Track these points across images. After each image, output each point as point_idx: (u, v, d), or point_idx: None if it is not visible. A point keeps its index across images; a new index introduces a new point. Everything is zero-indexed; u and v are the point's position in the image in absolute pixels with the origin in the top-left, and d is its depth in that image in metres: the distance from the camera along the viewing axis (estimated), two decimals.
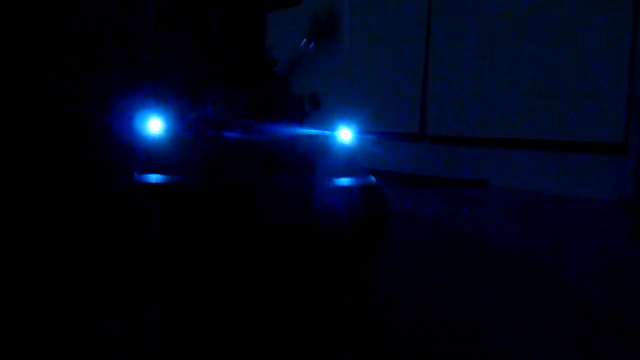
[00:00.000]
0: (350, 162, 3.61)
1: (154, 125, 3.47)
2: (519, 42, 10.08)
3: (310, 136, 3.72)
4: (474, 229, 5.91)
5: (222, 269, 3.33)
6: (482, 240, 5.34)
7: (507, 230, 5.85)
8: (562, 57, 9.43)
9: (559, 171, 9.37)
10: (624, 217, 7.71)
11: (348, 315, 3.02)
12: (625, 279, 4.27)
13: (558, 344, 2.77)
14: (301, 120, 3.94)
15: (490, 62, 10.54)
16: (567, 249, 5.17)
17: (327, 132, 3.65)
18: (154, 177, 3.19)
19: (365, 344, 2.68)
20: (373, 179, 3.62)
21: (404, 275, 3.92)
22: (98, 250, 3.69)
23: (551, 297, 3.61)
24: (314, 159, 3.53)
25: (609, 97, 8.83)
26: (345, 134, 3.62)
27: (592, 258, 4.83)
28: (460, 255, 4.74)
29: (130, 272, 3.32)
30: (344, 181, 3.46)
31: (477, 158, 10.67)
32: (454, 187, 10.13)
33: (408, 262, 4.20)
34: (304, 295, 3.24)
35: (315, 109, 4.22)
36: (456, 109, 11.12)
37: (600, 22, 8.96)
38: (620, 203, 8.50)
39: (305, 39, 4.52)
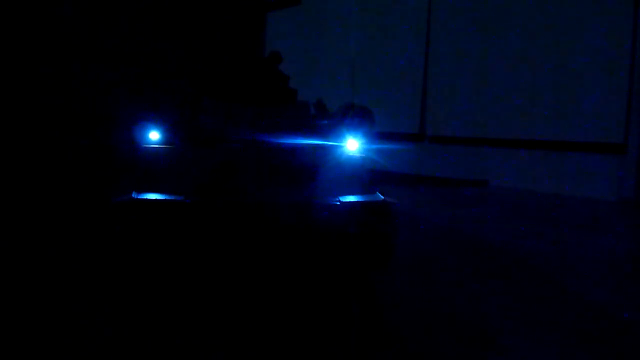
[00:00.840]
0: (357, 177, 3.42)
1: (154, 136, 3.35)
2: (519, 43, 10.08)
3: (317, 148, 3.45)
4: (474, 229, 5.91)
5: (226, 286, 3.27)
6: (482, 240, 5.34)
7: (507, 231, 5.84)
8: (562, 57, 9.44)
9: (559, 171, 9.38)
10: (624, 216, 7.72)
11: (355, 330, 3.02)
12: (625, 277, 4.27)
13: (558, 342, 2.78)
14: (308, 129, 3.70)
15: (490, 63, 10.55)
16: (568, 248, 5.17)
17: (334, 143, 3.45)
18: (153, 196, 3.08)
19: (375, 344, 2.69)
20: (381, 196, 3.42)
21: (405, 276, 3.92)
22: (95, 268, 3.62)
23: (552, 297, 3.61)
24: (321, 174, 3.34)
25: (609, 97, 8.84)
26: (352, 144, 3.46)
27: (592, 257, 4.83)
28: (461, 256, 4.74)
29: (125, 286, 3.25)
30: (351, 199, 3.29)
31: (477, 158, 10.68)
32: (454, 187, 10.13)
33: (409, 263, 4.19)
34: (308, 312, 3.12)
35: (322, 115, 4.10)
36: (456, 110, 11.13)
37: (601, 23, 8.97)
38: (620, 203, 8.50)
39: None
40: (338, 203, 3.22)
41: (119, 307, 3.07)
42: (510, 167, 10.08)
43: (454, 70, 11.21)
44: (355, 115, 3.71)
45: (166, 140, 3.39)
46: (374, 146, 3.57)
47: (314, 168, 3.36)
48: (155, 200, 3.06)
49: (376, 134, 3.71)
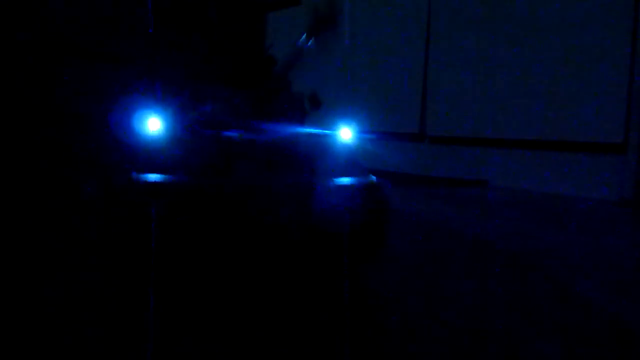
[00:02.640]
0: (350, 161, 3.57)
1: (153, 123, 3.38)
2: (519, 42, 10.08)
3: (311, 135, 3.66)
4: (474, 229, 5.91)
5: (223, 268, 3.30)
6: (482, 240, 5.34)
7: (507, 231, 5.84)
8: (562, 57, 9.44)
9: (559, 171, 9.37)
10: (624, 216, 7.72)
11: (348, 312, 3.02)
12: (625, 277, 4.27)
13: (556, 341, 2.78)
14: (302, 119, 3.85)
15: (490, 62, 10.55)
16: (567, 248, 5.16)
17: (327, 132, 3.61)
18: (153, 177, 3.13)
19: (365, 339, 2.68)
20: (374, 178, 3.58)
21: (405, 276, 3.92)
22: (97, 249, 3.64)
23: (551, 297, 3.61)
24: (315, 158, 3.47)
25: (609, 97, 8.84)
26: (345, 133, 3.60)
27: (592, 257, 4.82)
28: (461, 256, 4.73)
29: (128, 270, 3.28)
30: (345, 180, 3.41)
31: (477, 158, 10.68)
32: (454, 187, 10.13)
33: (409, 263, 4.19)
34: (304, 294, 3.21)
35: (316, 108, 4.19)
36: (456, 109, 11.13)
37: (601, 23, 8.97)
38: (620, 203, 8.50)
39: (304, 35, 4.45)
40: (333, 184, 3.35)
41: (118, 299, 3.07)
42: (510, 167, 10.08)
43: (454, 70, 11.21)
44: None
45: (165, 127, 3.44)
46: (363, 135, 3.74)
47: (309, 154, 3.49)
48: (154, 182, 3.12)
49: (376, 134, 3.81)
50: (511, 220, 6.57)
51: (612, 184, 8.75)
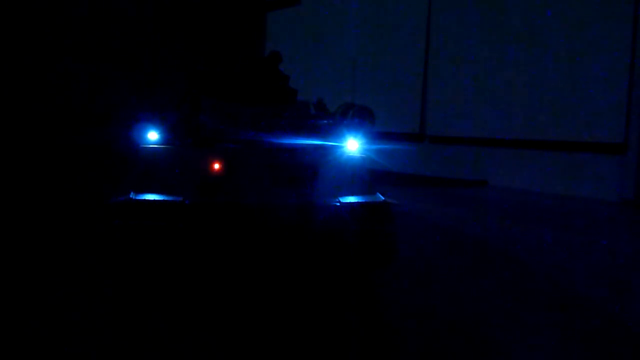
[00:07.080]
0: (358, 178, 3.39)
1: (152, 136, 3.29)
2: (519, 43, 10.08)
3: (317, 148, 3.39)
4: (474, 229, 5.90)
5: (225, 287, 3.24)
6: (482, 241, 5.34)
7: (507, 231, 5.83)
8: (562, 57, 9.44)
9: (559, 171, 9.37)
10: (624, 216, 7.71)
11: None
12: (625, 277, 4.26)
13: (554, 341, 2.77)
14: (308, 129, 3.66)
15: (490, 63, 10.54)
16: (567, 248, 5.16)
17: (334, 143, 3.41)
18: (151, 197, 3.04)
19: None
20: (381, 197, 3.36)
21: (405, 272, 3.92)
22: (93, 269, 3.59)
23: (551, 296, 3.61)
24: (321, 175, 3.29)
25: (609, 98, 8.84)
26: (352, 145, 3.42)
27: (592, 257, 4.82)
28: (460, 256, 4.73)
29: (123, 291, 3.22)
30: (350, 199, 3.24)
31: (477, 158, 10.67)
32: (454, 187, 10.12)
33: (409, 262, 4.19)
34: (308, 313, 3.10)
35: (323, 115, 4.07)
36: (456, 110, 11.13)
37: (601, 24, 8.97)
38: (621, 203, 8.50)
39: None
40: (338, 204, 3.19)
41: (116, 307, 3.06)
42: (510, 167, 10.08)
43: (454, 71, 11.21)
44: (355, 115, 3.70)
45: (165, 140, 3.35)
46: (374, 146, 3.53)
47: (314, 169, 3.31)
48: (153, 201, 3.02)
49: (376, 134, 3.69)
50: (511, 220, 6.57)
51: (612, 184, 8.75)
